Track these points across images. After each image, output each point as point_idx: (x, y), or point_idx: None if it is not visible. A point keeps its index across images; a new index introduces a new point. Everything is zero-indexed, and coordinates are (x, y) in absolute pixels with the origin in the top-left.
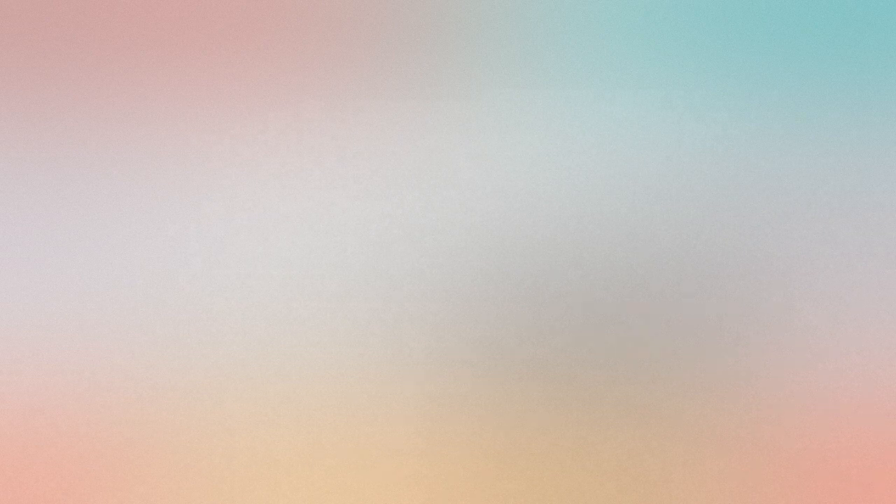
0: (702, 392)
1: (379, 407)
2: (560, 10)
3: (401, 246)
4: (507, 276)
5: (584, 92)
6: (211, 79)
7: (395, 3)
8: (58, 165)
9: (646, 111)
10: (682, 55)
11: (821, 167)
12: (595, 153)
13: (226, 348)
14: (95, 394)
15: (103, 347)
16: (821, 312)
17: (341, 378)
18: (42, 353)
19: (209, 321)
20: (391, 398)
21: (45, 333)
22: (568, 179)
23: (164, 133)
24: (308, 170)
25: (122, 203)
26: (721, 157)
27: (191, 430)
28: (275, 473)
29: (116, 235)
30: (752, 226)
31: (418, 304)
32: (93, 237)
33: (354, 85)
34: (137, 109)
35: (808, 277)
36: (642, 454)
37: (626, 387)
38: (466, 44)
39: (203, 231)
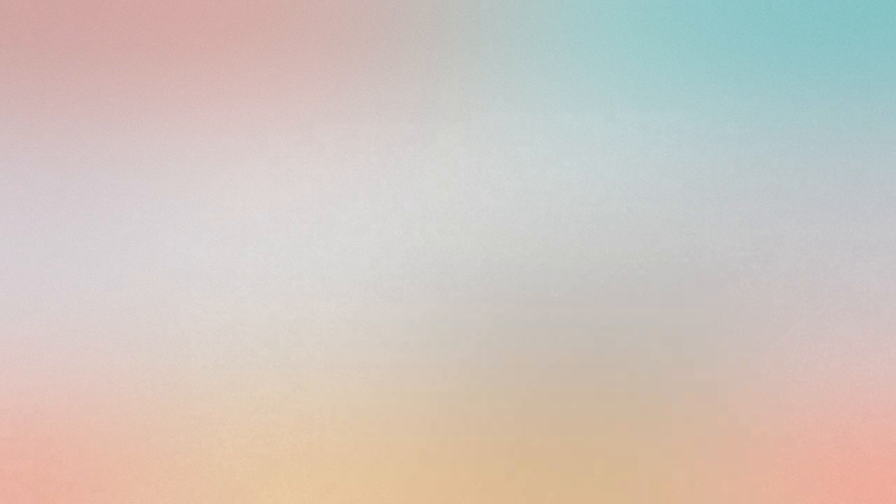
0: (701, 392)
1: (378, 407)
2: (561, 10)
3: (400, 246)
4: (506, 277)
5: (584, 92)
6: (211, 79)
7: (395, 3)
8: (58, 165)
9: (647, 112)
10: (683, 55)
11: (821, 167)
12: (595, 154)
13: (225, 348)
14: (95, 394)
15: (103, 347)
16: (821, 312)
17: (340, 378)
18: (42, 353)
19: (208, 321)
20: (390, 398)
21: (46, 333)
22: (568, 180)
23: (165, 133)
24: (308, 170)
25: (122, 203)
26: (722, 158)
27: (190, 431)
28: (274, 474)
29: (116, 235)
30: (753, 226)
31: (418, 304)
32: (93, 237)
33: (355, 85)
34: (137, 109)
35: (809, 277)
36: (642, 455)
37: (627, 387)
38: (466, 44)
39: (202, 230)
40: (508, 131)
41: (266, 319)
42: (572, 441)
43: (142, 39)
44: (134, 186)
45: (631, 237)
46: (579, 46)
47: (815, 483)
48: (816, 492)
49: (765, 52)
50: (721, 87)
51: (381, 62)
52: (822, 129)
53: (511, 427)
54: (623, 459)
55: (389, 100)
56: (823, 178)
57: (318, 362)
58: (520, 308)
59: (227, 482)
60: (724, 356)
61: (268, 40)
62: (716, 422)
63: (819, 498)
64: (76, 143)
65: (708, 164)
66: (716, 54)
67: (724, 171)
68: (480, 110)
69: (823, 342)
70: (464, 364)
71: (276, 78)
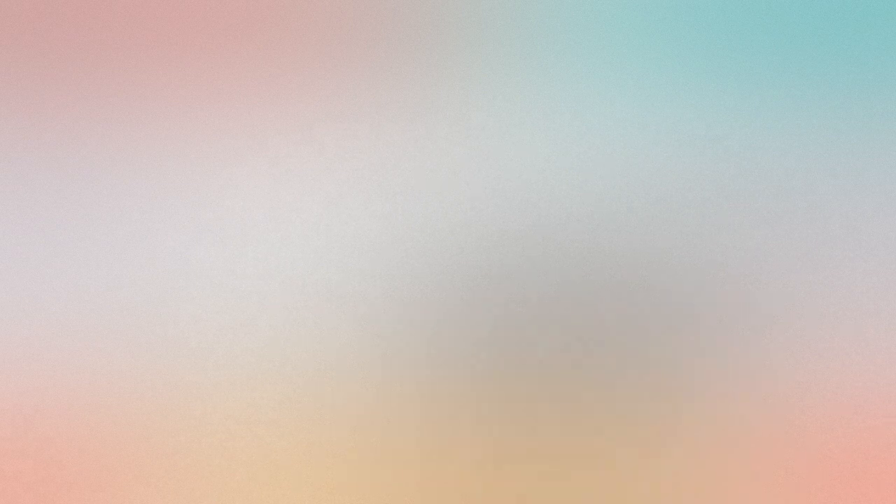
0: (700, 392)
1: (379, 407)
2: (560, 9)
3: (400, 246)
4: (506, 276)
5: (584, 91)
6: (211, 79)
7: (395, 3)
8: (58, 165)
9: (646, 111)
10: (683, 55)
11: (821, 167)
12: (595, 153)
13: (225, 348)
14: (95, 394)
15: (103, 347)
16: (821, 312)
17: (340, 378)
18: (42, 353)
19: (208, 321)
20: (391, 398)
21: (46, 333)
22: (568, 180)
23: (165, 133)
24: (308, 170)
25: (122, 203)
26: (721, 156)
27: (190, 431)
28: (274, 474)
29: (116, 235)
30: (753, 226)
31: (418, 304)
32: (93, 237)
33: (355, 85)
34: (137, 109)
35: (808, 277)
36: (642, 455)
37: (627, 387)
38: (466, 44)
39: (202, 230)
40: (508, 131)
41: (266, 319)
42: (572, 441)
43: (142, 39)
44: (134, 186)
45: (631, 237)
46: (579, 46)
47: (816, 483)
48: (817, 492)
49: (765, 52)
50: (721, 87)
51: (381, 62)
52: (822, 129)
53: (512, 427)
54: (623, 459)
55: (389, 100)
56: (823, 178)
57: (317, 362)
58: (520, 308)
59: (227, 482)
60: (723, 356)
61: (268, 40)
62: (715, 422)
63: (819, 498)
64: (76, 143)
65: (708, 164)
66: (716, 54)
67: (724, 171)
68: (480, 110)
69: (823, 342)
70: (464, 364)
71: (276, 78)
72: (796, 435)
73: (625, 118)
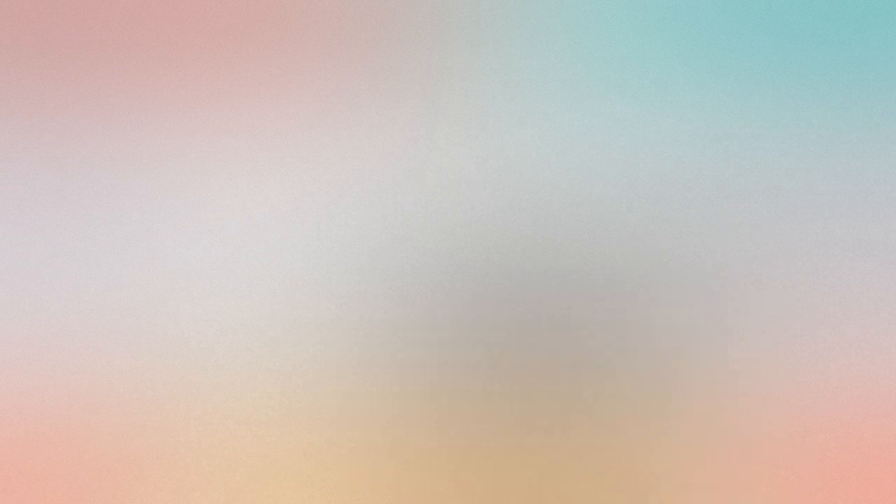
0: (700, 392)
1: (379, 407)
2: (561, 10)
3: (400, 246)
4: (506, 277)
5: (584, 91)
6: (211, 79)
7: (395, 3)
8: (58, 165)
9: (646, 111)
10: (682, 55)
11: (821, 167)
12: (595, 153)
13: (225, 348)
14: (95, 394)
15: (103, 347)
16: (821, 312)
17: (340, 378)
18: (42, 353)
19: (208, 321)
20: (391, 399)
21: (46, 333)
22: (568, 180)
23: (165, 133)
24: (308, 170)
25: (122, 203)
26: (721, 156)
27: (190, 431)
28: (274, 474)
29: (116, 235)
30: (753, 226)
31: (418, 304)
32: (93, 237)
33: (355, 85)
34: (137, 109)
35: (808, 277)
36: (642, 455)
37: (626, 387)
38: (466, 44)
39: (202, 230)
40: (508, 131)
41: (266, 319)
42: (571, 441)
43: (142, 39)
44: (134, 186)
45: (631, 237)
46: (579, 46)
47: (815, 483)
48: (816, 492)
49: (765, 52)
50: (721, 87)
51: (381, 62)
52: (822, 129)
53: (512, 428)
54: (622, 460)
55: (389, 100)
56: (823, 178)
57: (318, 362)
58: (519, 308)
59: (227, 482)
60: (723, 356)
61: (268, 40)
62: (714, 422)
63: (819, 498)
64: (76, 143)
65: (708, 164)
66: (716, 54)
67: (723, 170)
68: (480, 110)
69: (823, 342)
70: (464, 364)
71: (276, 78)
72: (796, 435)
73: (625, 118)
